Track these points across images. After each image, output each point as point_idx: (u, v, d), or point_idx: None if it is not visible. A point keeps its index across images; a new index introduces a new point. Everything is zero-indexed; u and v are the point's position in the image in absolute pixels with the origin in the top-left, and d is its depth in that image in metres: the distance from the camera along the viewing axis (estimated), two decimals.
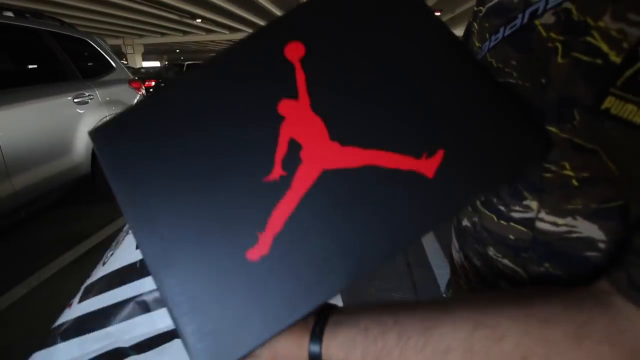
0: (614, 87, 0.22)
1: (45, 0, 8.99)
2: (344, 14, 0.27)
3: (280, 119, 0.25)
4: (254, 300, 0.22)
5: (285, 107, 0.25)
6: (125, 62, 17.99)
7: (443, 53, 0.27)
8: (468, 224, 0.37)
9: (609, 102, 0.23)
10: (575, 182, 0.26)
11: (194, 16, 12.07)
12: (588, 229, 0.26)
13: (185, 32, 16.85)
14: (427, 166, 0.24)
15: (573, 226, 0.27)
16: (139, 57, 18.09)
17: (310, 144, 0.25)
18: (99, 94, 2.86)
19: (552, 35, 0.27)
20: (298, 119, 0.25)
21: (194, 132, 0.25)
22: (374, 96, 0.25)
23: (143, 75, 13.15)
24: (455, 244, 0.42)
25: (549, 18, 0.28)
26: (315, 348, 0.26)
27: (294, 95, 0.25)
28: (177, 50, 28.72)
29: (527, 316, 0.24)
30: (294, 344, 0.26)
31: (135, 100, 3.32)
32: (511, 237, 0.31)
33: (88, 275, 0.48)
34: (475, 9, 0.41)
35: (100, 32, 16.50)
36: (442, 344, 0.24)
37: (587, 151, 0.25)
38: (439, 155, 0.24)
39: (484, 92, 0.26)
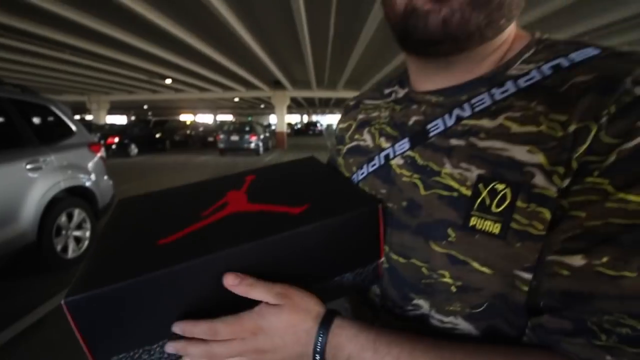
0: (473, 210, 0.32)
1: (11, 60, 8.97)
2: (274, 169, 0.50)
3: (227, 191, 0.43)
4: None
5: (233, 190, 0.44)
6: (90, 118, 17.80)
7: (319, 172, 0.48)
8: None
9: (474, 221, 0.32)
10: (453, 289, 0.34)
11: (164, 77, 12.44)
12: (467, 328, 0.34)
13: (154, 91, 17.16)
14: (295, 209, 0.37)
15: (456, 324, 0.34)
16: (103, 113, 17.96)
17: (231, 201, 0.41)
18: (55, 158, 2.84)
19: (405, 173, 0.39)
20: (236, 194, 0.42)
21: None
22: (276, 188, 0.43)
23: (107, 131, 13.01)
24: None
25: (399, 160, 0.40)
26: (322, 337, 0.32)
27: (239, 188, 0.44)
28: (145, 107, 28.90)
29: None
30: (300, 329, 0.32)
31: (92, 164, 3.31)
32: None
33: None
34: (336, 147, 0.54)
35: (65, 89, 16.40)
36: None
37: (460, 262, 0.33)
38: (306, 206, 0.37)
39: (336, 182, 0.44)
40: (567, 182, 0.29)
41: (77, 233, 3.10)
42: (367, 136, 0.46)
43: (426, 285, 0.36)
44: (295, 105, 28.77)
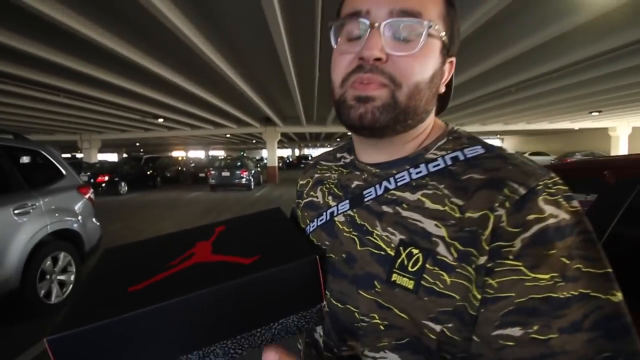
0: (395, 268, 0.40)
1: (6, 103, 9.14)
2: (241, 220, 0.56)
3: (195, 242, 0.49)
4: None
5: (201, 241, 0.50)
6: (81, 156, 17.84)
7: (278, 223, 0.54)
8: None
9: (395, 277, 0.39)
10: (382, 327, 0.41)
11: (157, 116, 12.71)
12: (393, 357, 0.41)
13: (146, 129, 17.42)
14: (247, 260, 0.44)
15: (385, 357, 0.41)
16: (95, 152, 18.02)
17: (199, 253, 0.47)
18: (43, 203, 2.89)
19: (345, 229, 0.47)
20: (203, 244, 0.49)
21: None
22: (237, 240, 0.50)
23: (97, 170, 13.04)
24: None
25: (341, 218, 0.48)
26: None
27: (207, 239, 0.50)
28: (137, 144, 29.13)
29: None
30: None
31: (80, 206, 3.35)
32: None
33: None
34: (297, 201, 0.62)
35: (58, 130, 16.54)
36: None
37: (385, 307, 0.40)
38: (256, 257, 0.44)
39: (288, 234, 0.50)
40: (484, 259, 0.36)
41: (62, 277, 3.07)
42: (319, 194, 0.55)
43: (358, 328, 0.42)
44: (287, 140, 29.27)
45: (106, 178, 12.26)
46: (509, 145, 35.80)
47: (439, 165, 0.43)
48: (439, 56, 0.42)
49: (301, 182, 0.61)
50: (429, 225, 0.40)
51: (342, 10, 0.43)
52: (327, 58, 5.44)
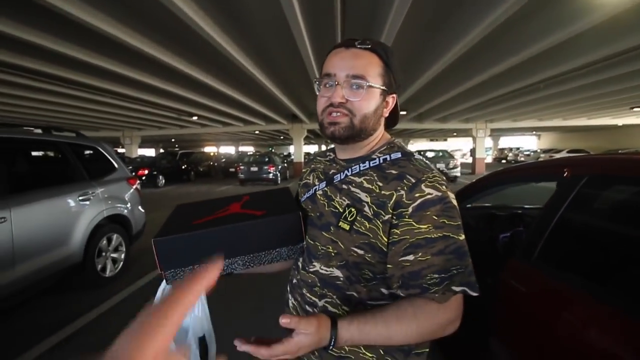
0: (341, 219, 0.68)
1: (61, 103, 10.14)
2: (260, 193, 0.87)
3: (231, 203, 0.80)
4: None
5: (234, 202, 0.80)
6: (123, 151, 19.24)
7: (284, 195, 0.85)
8: (295, 280, 0.79)
9: (340, 223, 0.68)
10: (332, 254, 0.69)
11: (191, 114, 13.50)
12: (337, 272, 0.68)
13: (182, 126, 18.45)
14: (259, 212, 0.74)
15: (332, 271, 0.69)
16: (135, 147, 19.33)
17: (232, 209, 0.78)
18: (100, 191, 3.40)
19: (321, 198, 0.77)
20: (235, 204, 0.80)
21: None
22: (255, 203, 0.81)
23: (138, 164, 14.05)
24: (288, 294, 0.82)
25: (320, 192, 0.78)
26: (334, 332, 0.57)
27: (238, 201, 0.81)
28: (173, 140, 30.71)
29: (399, 313, 0.61)
30: (320, 340, 0.57)
31: (129, 195, 3.86)
32: (309, 281, 0.72)
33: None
34: (299, 182, 0.92)
35: (103, 127, 17.89)
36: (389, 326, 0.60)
37: (334, 242, 0.68)
38: (264, 211, 0.74)
39: (287, 201, 0.81)
40: (388, 216, 0.64)
41: (114, 255, 3.59)
42: (311, 177, 0.84)
43: (319, 255, 0.71)
44: (314, 136, 29.67)
45: (146, 172, 13.18)
46: (545, 142, 34.00)
47: (376, 162, 0.72)
48: (379, 97, 0.71)
49: (303, 170, 0.93)
50: (362, 195, 0.69)
51: (323, 70, 0.72)
52: None
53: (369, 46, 0.69)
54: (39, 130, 3.25)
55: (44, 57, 5.99)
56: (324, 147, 46.16)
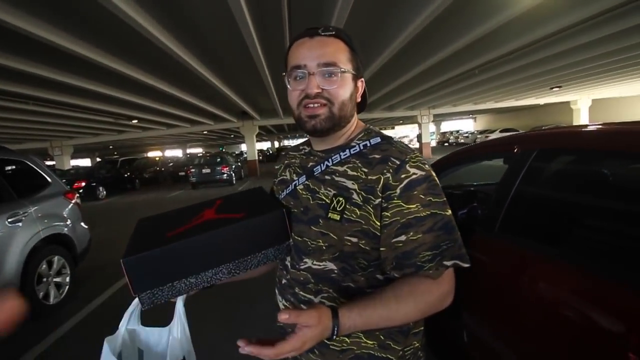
0: (329, 210, 0.66)
1: None
2: (233, 195, 0.81)
3: (203, 210, 0.74)
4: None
5: (207, 208, 0.74)
6: (53, 163, 17.32)
7: (260, 194, 0.81)
8: (284, 281, 0.76)
9: (330, 214, 0.66)
10: (324, 247, 0.66)
11: (130, 118, 12.52)
12: (330, 265, 0.67)
13: (120, 131, 17.06)
14: (239, 215, 0.68)
15: (325, 265, 0.67)
16: (67, 158, 17.52)
17: (206, 215, 0.72)
18: (33, 210, 3.02)
19: (303, 193, 0.74)
20: (209, 210, 0.73)
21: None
22: (231, 206, 0.75)
23: (72, 176, 12.75)
24: (278, 297, 0.82)
25: (301, 186, 0.74)
26: (335, 321, 0.56)
27: (211, 207, 0.74)
28: (111, 146, 28.33)
29: (397, 292, 0.61)
30: (323, 332, 0.55)
31: (68, 211, 3.48)
32: (301, 279, 0.70)
33: None
34: (273, 180, 0.89)
35: (27, 138, 15.95)
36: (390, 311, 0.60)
37: (325, 234, 0.66)
38: (245, 213, 0.69)
39: (266, 199, 0.77)
40: (379, 200, 0.63)
41: (58, 279, 3.23)
42: (287, 173, 0.81)
43: (309, 250, 0.69)
44: (266, 132, 29.23)
45: (83, 184, 12.05)
46: (481, 123, 37.00)
47: (356, 149, 0.71)
48: (351, 82, 0.70)
49: (277, 167, 0.90)
50: (349, 183, 0.67)
51: (289, 64, 0.70)
52: None
53: (333, 32, 0.68)
54: None
55: None
56: (276, 144, 45.94)
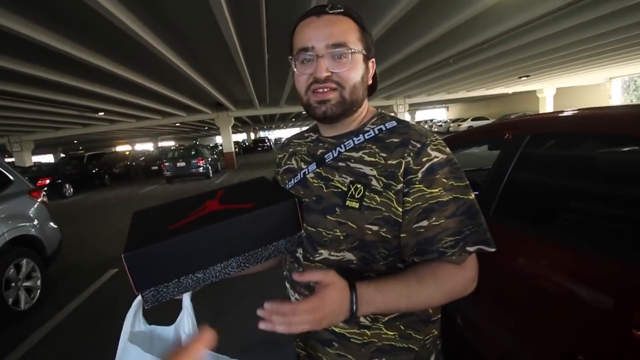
0: (347, 197, 0.62)
1: None
2: (235, 186, 0.76)
3: (205, 201, 0.68)
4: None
5: (209, 200, 0.69)
6: (12, 160, 16.12)
7: (265, 184, 0.76)
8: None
9: (348, 202, 0.62)
10: (341, 237, 0.63)
11: (96, 110, 11.82)
12: (349, 256, 0.64)
13: (85, 125, 16.11)
14: (248, 205, 0.64)
15: (343, 256, 0.64)
16: (27, 154, 16.37)
17: (210, 206, 0.66)
18: None
19: (314, 181, 0.70)
20: (212, 202, 0.67)
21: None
22: (237, 196, 0.70)
23: (35, 173, 11.93)
24: (290, 291, 0.75)
25: (311, 175, 0.71)
26: (353, 291, 0.55)
27: (213, 198, 0.69)
28: (75, 141, 26.76)
29: (419, 274, 0.60)
30: (342, 297, 0.54)
31: (34, 211, 3.25)
32: None
33: None
34: (276, 170, 0.84)
35: None
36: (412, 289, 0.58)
37: (343, 224, 0.63)
38: (254, 203, 0.64)
39: (273, 189, 0.73)
40: (400, 186, 0.60)
41: (28, 283, 3.02)
42: (293, 161, 0.77)
43: (325, 241, 0.66)
44: (241, 124, 28.61)
45: (47, 181, 11.33)
46: (453, 112, 38.03)
47: (371, 134, 0.68)
48: (362, 63, 0.65)
49: (279, 156, 0.85)
50: (366, 169, 0.64)
51: (294, 46, 0.66)
52: (275, 39, 5.49)
53: (342, 10, 0.64)
54: None
55: None
56: (252, 135, 45.07)
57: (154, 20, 5.04)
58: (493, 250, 0.61)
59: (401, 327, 0.66)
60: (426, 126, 31.85)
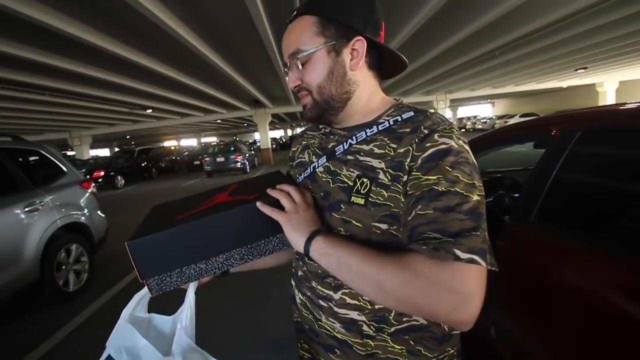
0: (352, 193, 0.58)
1: None
2: (249, 180, 0.75)
3: (216, 193, 0.69)
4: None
5: (220, 193, 0.68)
6: (74, 153, 17.76)
7: (277, 177, 0.72)
8: (301, 273, 0.69)
9: (353, 198, 0.58)
10: (346, 235, 0.58)
11: (145, 107, 12.62)
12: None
13: (135, 121, 17.29)
14: (252, 196, 0.61)
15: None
16: (86, 148, 17.93)
17: (219, 198, 0.65)
18: (49, 199, 3.04)
19: (323, 176, 0.66)
20: (222, 194, 0.67)
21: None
22: (246, 189, 0.68)
23: (92, 166, 13.05)
24: (295, 290, 0.73)
25: (320, 169, 0.67)
26: (307, 244, 0.55)
27: (224, 191, 0.68)
28: (128, 137, 28.85)
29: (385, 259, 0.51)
30: (313, 222, 0.57)
31: (84, 200, 3.51)
32: (319, 272, 0.63)
33: None
34: (290, 163, 0.80)
35: (47, 129, 16.35)
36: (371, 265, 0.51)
37: (347, 222, 0.59)
38: (257, 194, 0.61)
39: (278, 178, 0.69)
40: (406, 177, 0.54)
41: (77, 267, 3.27)
42: (305, 155, 0.73)
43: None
44: (278, 120, 29.12)
45: (102, 173, 12.32)
46: (499, 108, 35.80)
47: (385, 125, 0.62)
48: (328, 57, 0.60)
49: (293, 149, 0.81)
50: (375, 162, 0.59)
51: None
52: None
53: (299, 11, 0.62)
54: None
55: None
56: (289, 132, 45.84)
57: (193, 19, 5.23)
58: (491, 268, 0.49)
59: (410, 341, 0.59)
60: (469, 123, 30.25)
